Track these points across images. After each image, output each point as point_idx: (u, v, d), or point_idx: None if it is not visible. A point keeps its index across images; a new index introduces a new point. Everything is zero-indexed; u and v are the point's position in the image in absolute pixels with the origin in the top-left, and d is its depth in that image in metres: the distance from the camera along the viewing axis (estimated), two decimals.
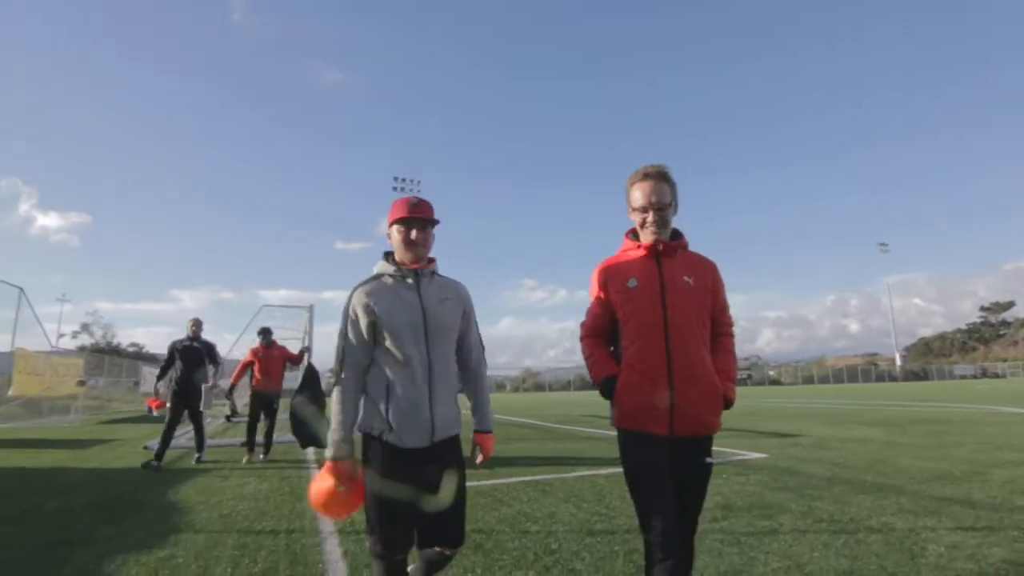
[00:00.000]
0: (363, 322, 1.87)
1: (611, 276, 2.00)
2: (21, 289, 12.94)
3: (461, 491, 1.90)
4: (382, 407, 1.84)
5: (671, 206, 1.95)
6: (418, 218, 1.92)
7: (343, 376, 1.88)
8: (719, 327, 1.99)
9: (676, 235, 2.00)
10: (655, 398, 1.82)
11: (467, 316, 2.04)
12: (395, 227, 1.95)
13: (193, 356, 7.05)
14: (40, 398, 15.02)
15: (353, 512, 1.94)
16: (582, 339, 2.07)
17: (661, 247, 1.92)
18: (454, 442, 1.94)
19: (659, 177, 1.94)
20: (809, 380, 67.18)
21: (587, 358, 2.05)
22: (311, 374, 3.26)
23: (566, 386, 59.94)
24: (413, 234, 1.91)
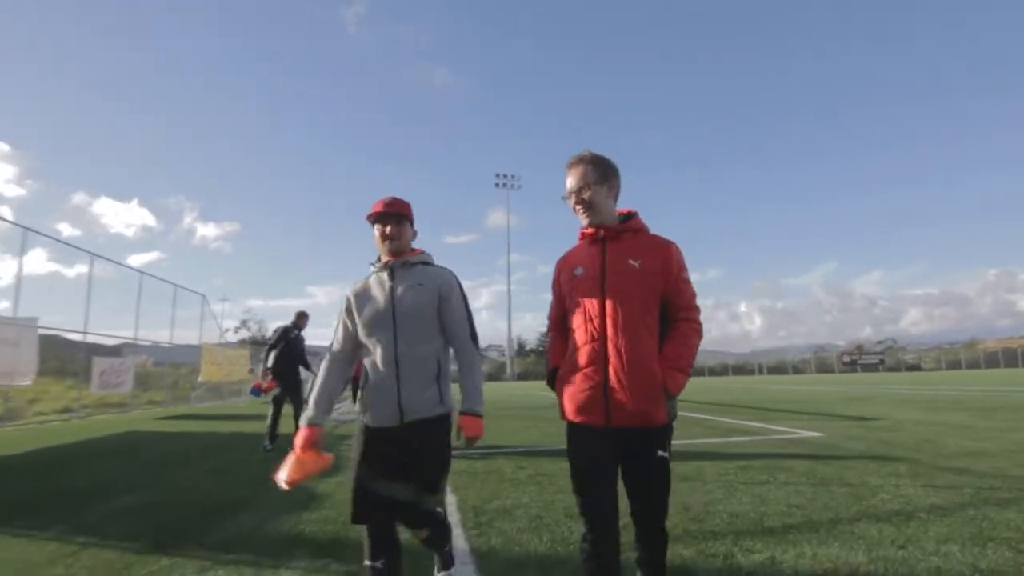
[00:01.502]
0: (346, 315, 2.15)
1: (563, 266, 2.00)
2: (203, 296, 16.27)
3: (433, 472, 2.00)
4: (361, 392, 2.07)
5: (590, 187, 1.87)
6: (389, 214, 2.11)
7: (326, 357, 2.18)
8: (675, 312, 1.83)
9: (627, 218, 1.93)
10: (590, 388, 1.79)
11: (444, 300, 2.09)
12: (375, 227, 2.14)
13: (297, 344, 7.68)
14: (221, 382, 18.57)
15: (297, 480, 1.92)
16: (548, 332, 2.10)
17: (603, 232, 1.89)
18: (430, 424, 2.00)
19: (577, 162, 1.91)
20: (955, 365, 60.24)
21: (545, 351, 2.08)
22: None
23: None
24: (388, 229, 2.10)
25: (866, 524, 3.21)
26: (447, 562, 2.37)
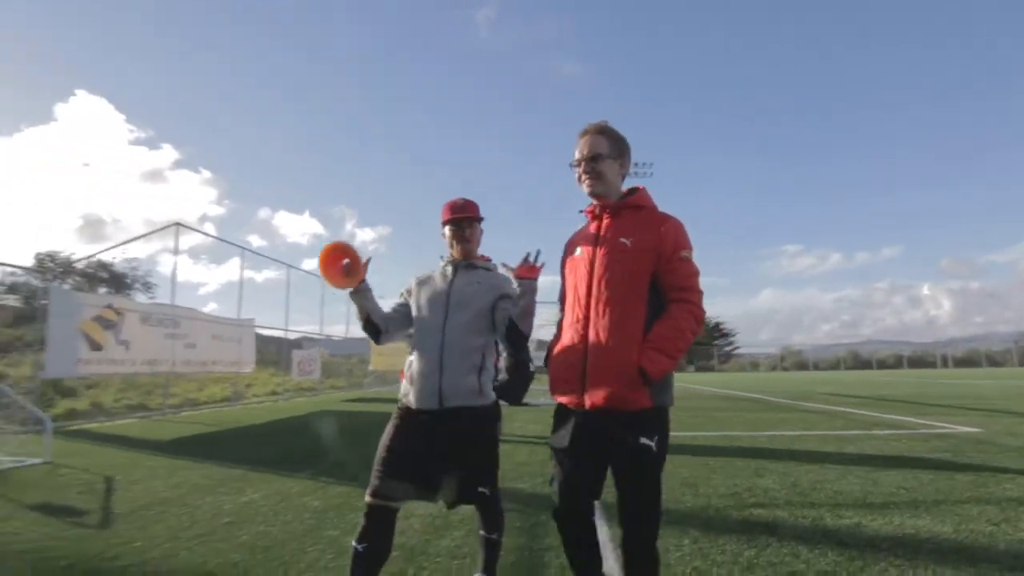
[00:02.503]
0: (406, 294, 2.33)
1: (568, 248, 1.98)
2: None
3: (478, 457, 2.06)
4: (407, 375, 2.15)
5: (606, 157, 1.84)
6: (465, 218, 2.20)
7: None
8: (668, 292, 1.74)
9: (629, 195, 1.88)
10: (569, 369, 1.77)
11: (504, 299, 2.15)
12: (446, 228, 2.23)
13: None
14: (387, 370, 21.20)
15: (327, 262, 2.09)
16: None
17: (600, 209, 1.87)
18: (468, 412, 2.04)
19: (594, 131, 1.87)
20: None
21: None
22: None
23: (835, 364, 53.89)
24: (465, 232, 2.21)
25: (971, 506, 3.44)
26: (490, 567, 2.26)
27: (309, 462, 5.42)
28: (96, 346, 8.75)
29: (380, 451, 2.04)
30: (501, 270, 2.23)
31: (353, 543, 1.92)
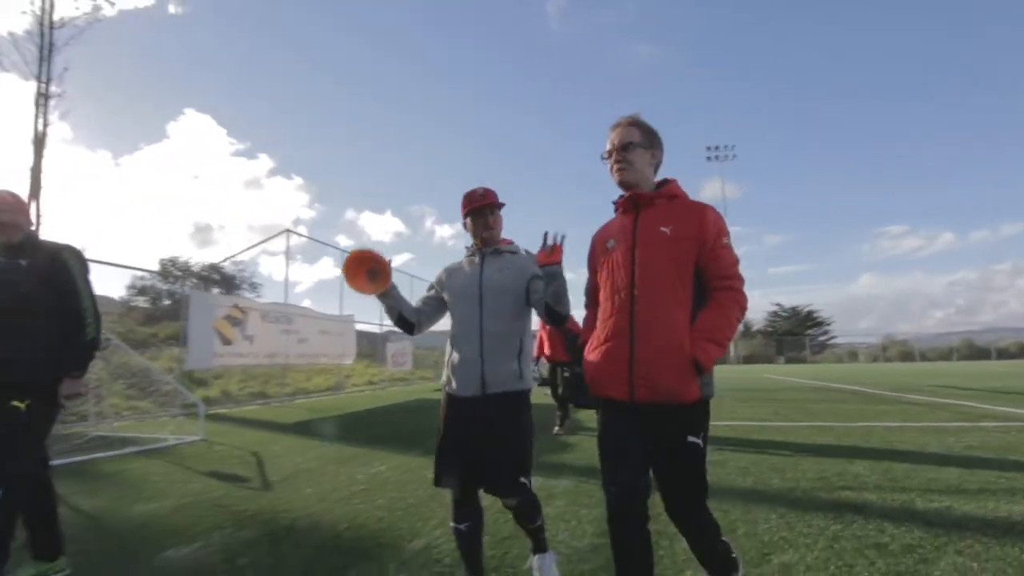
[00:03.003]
0: (437, 286, 2.38)
1: (597, 240, 1.96)
2: None
3: (517, 445, 2.06)
4: (448, 363, 2.19)
5: (637, 147, 1.82)
6: (486, 206, 2.23)
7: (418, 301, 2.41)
8: (712, 281, 1.72)
9: (661, 185, 1.87)
10: (614, 361, 1.74)
11: (535, 280, 2.16)
12: (468, 218, 2.26)
13: None
14: None
15: (351, 273, 2.20)
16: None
17: (635, 199, 1.83)
18: (510, 397, 2.09)
19: (626, 122, 1.87)
20: None
21: (584, 327, 2.03)
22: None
23: (946, 355, 49.41)
24: (488, 220, 2.24)
25: None
26: (540, 545, 2.31)
27: (417, 441, 6.06)
28: (226, 341, 9.97)
29: (438, 441, 2.18)
30: (523, 254, 2.29)
31: (451, 523, 2.18)
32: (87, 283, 2.54)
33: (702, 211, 1.76)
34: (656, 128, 1.90)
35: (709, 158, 50.85)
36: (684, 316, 1.69)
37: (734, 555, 1.81)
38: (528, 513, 2.18)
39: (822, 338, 51.07)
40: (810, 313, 51.84)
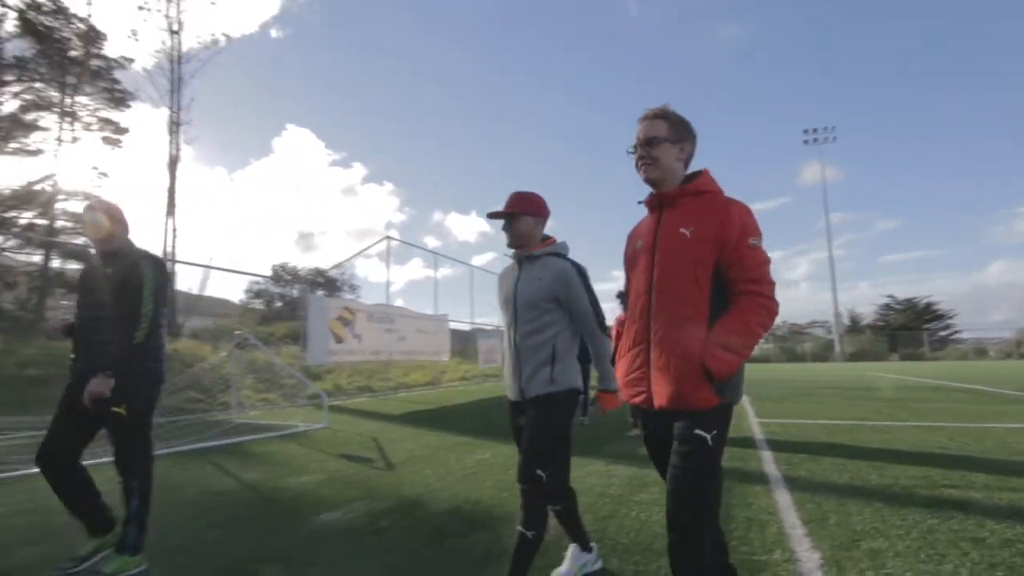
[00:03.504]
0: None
1: (629, 242, 1.93)
2: None
3: (536, 439, 2.14)
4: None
5: (663, 141, 1.74)
6: (501, 213, 2.28)
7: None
8: (735, 284, 1.64)
9: (690, 179, 1.78)
10: (635, 369, 1.73)
11: (564, 293, 2.18)
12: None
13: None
14: None
15: None
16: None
17: (654, 200, 1.79)
18: (541, 400, 2.18)
19: (653, 115, 1.79)
20: None
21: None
22: None
23: None
24: (508, 228, 2.29)
25: None
26: (575, 537, 2.41)
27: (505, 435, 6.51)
28: (339, 340, 11.01)
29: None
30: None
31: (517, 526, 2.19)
32: (155, 290, 2.58)
33: (726, 209, 1.66)
34: (687, 120, 1.81)
35: (806, 141, 47.74)
36: (700, 322, 1.62)
37: None
38: (551, 501, 2.26)
39: (943, 333, 46.31)
40: (929, 305, 47.15)
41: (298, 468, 4.84)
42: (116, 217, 2.68)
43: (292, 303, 33.96)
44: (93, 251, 2.77)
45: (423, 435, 6.61)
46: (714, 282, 1.65)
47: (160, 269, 2.67)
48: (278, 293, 34.86)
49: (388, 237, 14.05)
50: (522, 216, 2.26)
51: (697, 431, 1.59)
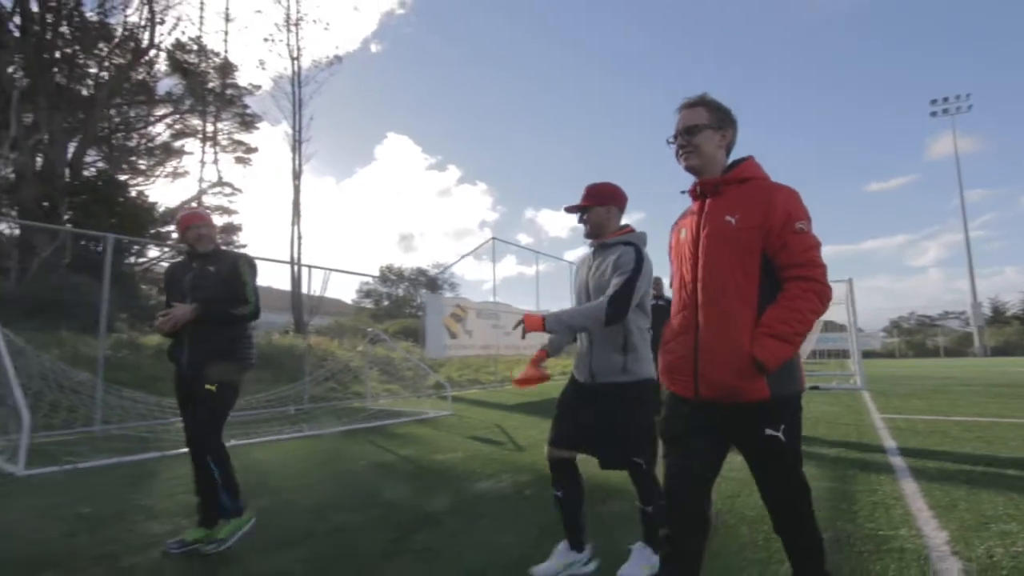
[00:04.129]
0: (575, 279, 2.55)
1: (674, 231, 1.90)
2: None
3: (612, 427, 2.21)
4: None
5: (704, 128, 1.72)
6: (576, 207, 2.38)
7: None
8: (783, 271, 1.60)
9: (733, 167, 1.75)
10: (678, 358, 1.70)
11: (611, 271, 2.24)
12: None
13: (661, 314, 8.53)
14: None
15: (522, 383, 2.35)
16: None
17: (700, 188, 1.75)
18: (613, 388, 2.22)
19: (692, 103, 1.77)
20: None
21: None
22: None
23: None
24: (584, 219, 2.38)
25: None
26: (645, 533, 2.35)
27: None
28: (452, 335, 11.88)
29: (556, 410, 2.42)
30: None
31: (552, 489, 2.37)
32: (253, 282, 2.96)
33: (770, 195, 1.62)
34: (727, 107, 1.79)
35: (935, 113, 43.23)
36: (748, 312, 1.59)
37: None
38: (640, 493, 2.27)
39: None
40: None
41: (441, 447, 5.53)
42: (209, 223, 3.02)
43: (398, 301, 36.37)
44: (184, 255, 3.08)
45: (540, 423, 7.14)
46: (763, 270, 1.61)
47: (252, 266, 3.01)
48: (385, 292, 37.38)
49: (495, 239, 14.84)
50: (594, 208, 2.36)
51: (768, 431, 1.57)
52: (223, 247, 3.11)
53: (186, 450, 2.82)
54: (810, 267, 1.57)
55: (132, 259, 16.42)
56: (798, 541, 1.65)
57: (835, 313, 15.07)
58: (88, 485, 4.03)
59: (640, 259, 2.21)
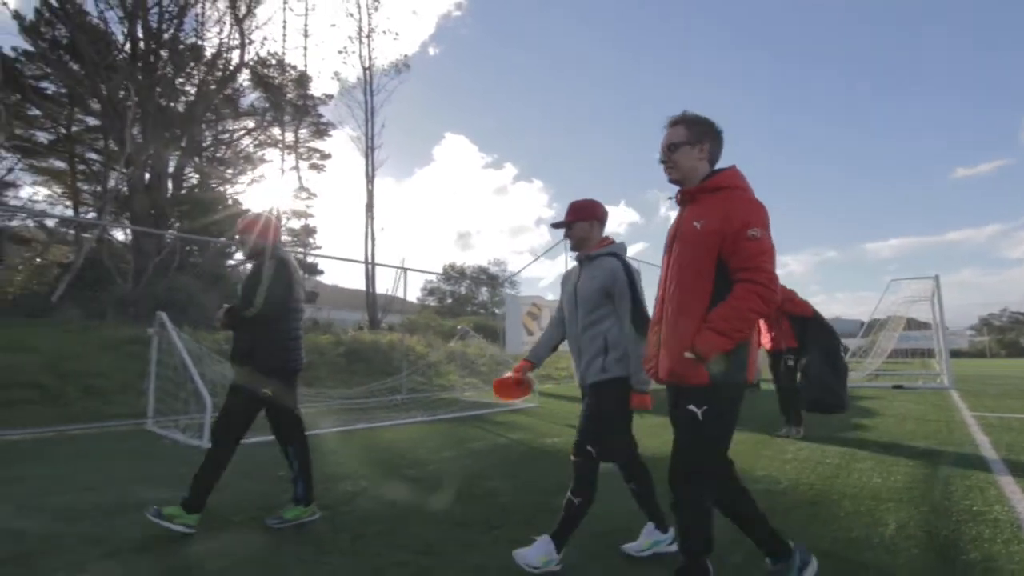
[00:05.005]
0: (561, 289, 2.68)
1: (668, 235, 2.06)
2: None
3: (589, 418, 2.35)
4: None
5: (682, 145, 1.90)
6: (562, 223, 2.54)
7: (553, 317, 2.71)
8: (733, 273, 1.77)
9: (710, 176, 1.91)
10: (651, 345, 1.99)
11: (610, 288, 2.37)
12: None
13: None
14: None
15: (500, 395, 2.60)
16: None
17: (679, 197, 1.96)
18: (598, 386, 2.36)
19: (673, 122, 1.95)
20: None
21: None
22: (817, 327, 4.35)
23: None
24: (569, 233, 2.54)
25: None
26: (651, 515, 2.55)
27: None
28: (529, 332, 12.47)
29: None
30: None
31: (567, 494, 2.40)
32: (274, 283, 2.89)
33: (731, 204, 1.79)
34: (707, 119, 1.94)
35: None
36: (698, 307, 1.79)
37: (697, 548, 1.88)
38: (575, 482, 2.35)
39: None
40: None
41: (544, 432, 6.11)
42: (249, 229, 3.07)
43: (460, 299, 37.37)
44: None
45: None
46: (718, 271, 1.80)
47: (285, 265, 2.97)
48: (448, 290, 38.47)
49: (564, 238, 15.24)
50: (576, 223, 2.52)
51: (688, 407, 1.80)
52: (284, 248, 3.14)
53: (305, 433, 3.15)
54: (756, 271, 1.73)
55: (232, 261, 17.94)
56: (678, 495, 1.90)
57: (919, 310, 14.64)
58: (256, 456, 4.78)
59: (627, 270, 2.41)
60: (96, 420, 6.77)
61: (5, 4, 14.70)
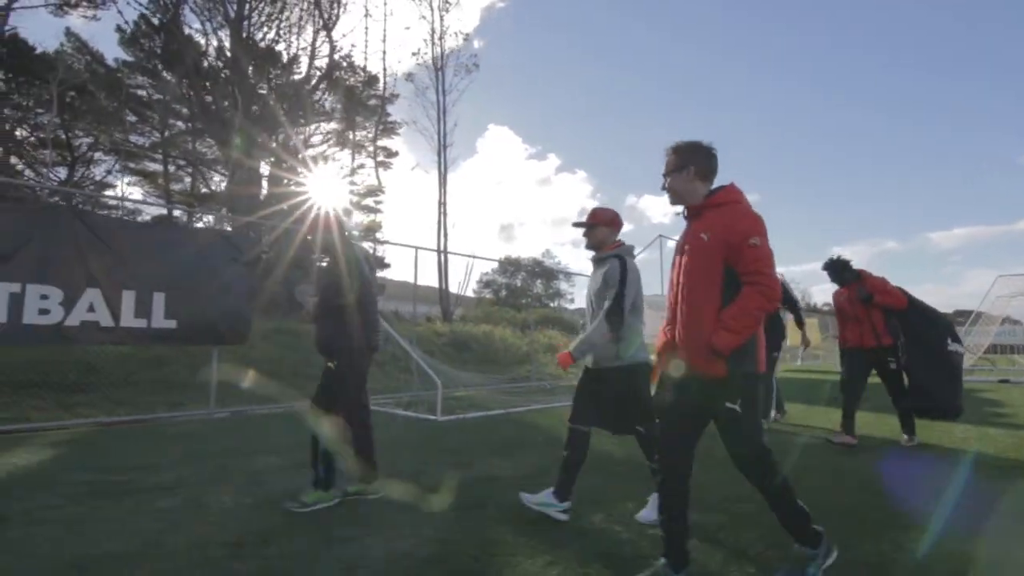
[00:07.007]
0: None
1: (676, 246, 2.25)
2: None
3: (613, 402, 2.68)
4: None
5: (671, 173, 2.13)
6: (579, 225, 2.86)
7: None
8: (741, 277, 1.98)
9: (713, 193, 2.10)
10: (664, 343, 2.17)
11: (608, 283, 2.69)
12: None
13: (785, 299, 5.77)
14: (795, 346, 21.72)
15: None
16: None
17: (686, 213, 2.15)
18: (612, 371, 2.67)
19: (664, 154, 2.17)
20: None
21: None
22: (924, 320, 4.06)
23: None
24: (585, 235, 2.87)
25: None
26: (556, 493, 2.75)
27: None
28: None
29: (575, 393, 2.87)
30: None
31: (563, 451, 2.79)
32: (352, 274, 3.00)
33: (732, 217, 2.01)
34: (692, 141, 2.14)
35: None
36: (710, 309, 1.99)
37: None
38: (646, 452, 2.72)
39: None
40: None
41: None
42: (313, 231, 3.20)
43: (515, 291, 37.53)
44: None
45: None
46: (725, 276, 2.00)
47: (357, 263, 3.05)
48: (504, 283, 38.81)
49: (660, 236, 15.53)
50: (598, 226, 2.84)
51: (728, 404, 1.95)
52: (356, 243, 3.30)
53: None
54: (759, 275, 1.96)
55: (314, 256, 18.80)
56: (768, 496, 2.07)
57: (1017, 308, 14.08)
58: (478, 429, 5.22)
59: (624, 270, 2.68)
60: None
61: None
